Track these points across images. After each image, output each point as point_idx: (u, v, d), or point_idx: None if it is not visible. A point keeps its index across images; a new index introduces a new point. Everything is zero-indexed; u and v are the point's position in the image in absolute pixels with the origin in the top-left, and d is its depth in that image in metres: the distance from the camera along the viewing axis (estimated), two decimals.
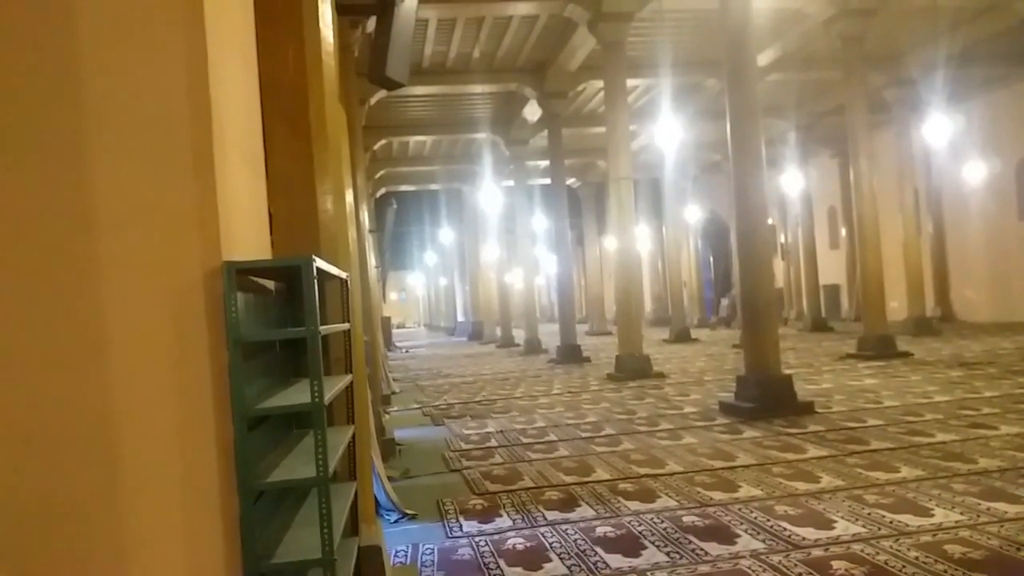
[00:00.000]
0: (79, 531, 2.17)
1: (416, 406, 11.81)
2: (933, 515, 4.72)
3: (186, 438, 2.23)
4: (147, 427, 2.21)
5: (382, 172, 25.36)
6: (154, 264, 2.24)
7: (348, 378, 3.38)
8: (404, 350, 27.88)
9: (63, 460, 2.17)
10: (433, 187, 31.29)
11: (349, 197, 4.37)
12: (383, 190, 27.94)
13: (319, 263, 2.51)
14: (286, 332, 2.94)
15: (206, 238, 2.27)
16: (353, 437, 3.43)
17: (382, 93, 14.92)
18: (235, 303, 2.28)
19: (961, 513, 4.72)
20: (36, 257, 2.18)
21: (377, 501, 5.46)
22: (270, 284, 3.03)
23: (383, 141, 21.54)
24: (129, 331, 2.21)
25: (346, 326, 3.49)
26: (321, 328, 2.53)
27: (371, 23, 8.42)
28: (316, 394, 2.37)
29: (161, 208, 2.25)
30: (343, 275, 3.41)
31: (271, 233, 3.25)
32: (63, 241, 2.20)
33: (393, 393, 13.18)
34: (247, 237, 2.70)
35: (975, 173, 18.18)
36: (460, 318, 38.24)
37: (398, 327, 48.37)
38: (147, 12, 2.26)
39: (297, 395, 2.62)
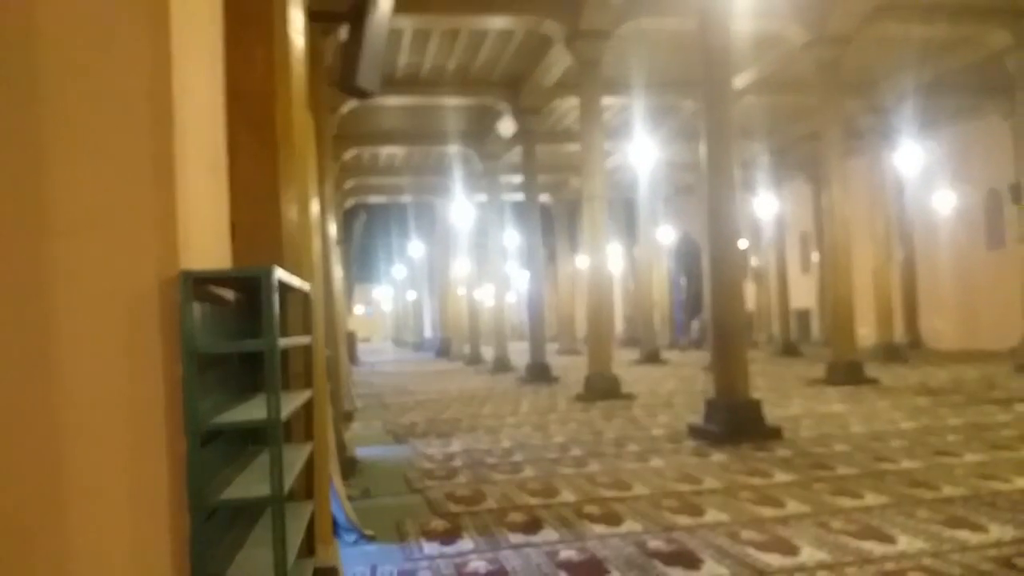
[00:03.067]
0: (20, 547, 2.10)
1: (379, 423, 11.67)
2: (897, 542, 4.70)
3: (136, 452, 2.18)
4: (95, 440, 2.15)
5: (352, 183, 25.19)
6: (108, 271, 2.19)
7: (307, 394, 3.29)
8: (369, 365, 27.65)
9: (7, 473, 2.10)
10: (404, 199, 31.12)
11: (315, 207, 4.30)
12: (352, 201, 27.79)
13: (280, 274, 2.44)
14: (243, 344, 2.85)
15: (163, 245, 2.22)
16: (311, 455, 3.34)
17: (353, 102, 14.84)
18: (191, 313, 2.22)
19: (925, 540, 4.70)
20: None
21: (336, 521, 5.35)
22: (229, 295, 2.95)
23: (354, 151, 21.41)
24: (79, 339, 2.16)
25: (307, 339, 3.41)
26: (280, 341, 2.46)
27: (344, 31, 8.36)
28: (273, 410, 2.29)
29: (118, 214, 2.20)
30: (305, 287, 3.33)
31: (233, 242, 3.17)
32: (14, 244, 2.14)
33: (356, 409, 13.01)
34: (207, 245, 2.64)
35: (945, 202, 18.50)
36: (428, 334, 38.07)
37: (364, 342, 48.00)
38: (110, 13, 2.22)
39: (253, 410, 2.54)
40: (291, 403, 2.82)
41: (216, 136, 2.91)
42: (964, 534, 4.78)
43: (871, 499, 5.77)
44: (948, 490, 5.93)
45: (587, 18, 13.17)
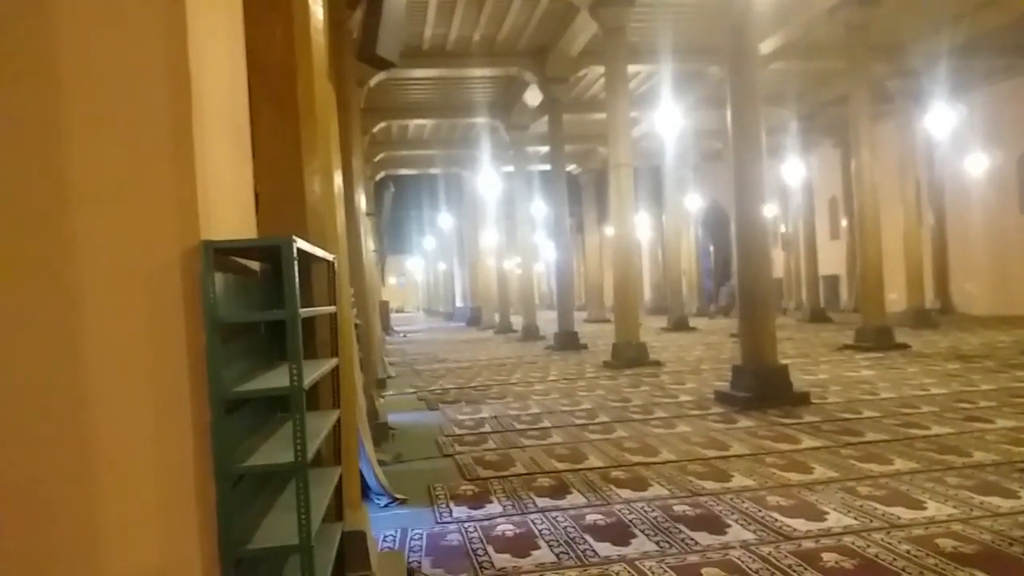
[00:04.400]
0: (50, 516, 2.13)
1: (411, 390, 11.78)
2: (926, 508, 4.69)
3: (161, 421, 2.19)
4: (121, 409, 2.17)
5: (381, 155, 25.25)
6: (130, 243, 2.19)
7: (333, 362, 3.33)
8: (402, 334, 27.86)
9: (34, 444, 2.13)
10: (432, 171, 31.16)
11: (338, 178, 4.31)
12: (382, 173, 27.85)
13: (300, 244, 2.46)
14: (264, 314, 2.88)
15: (184, 217, 2.22)
16: (338, 421, 3.38)
17: (382, 75, 14.86)
18: (213, 284, 2.23)
19: (954, 507, 4.68)
20: (7, 235, 2.13)
21: (368, 485, 5.44)
22: (255, 265, 2.98)
23: (382, 124, 21.43)
24: (103, 311, 2.17)
25: (332, 309, 3.44)
26: (303, 311, 2.48)
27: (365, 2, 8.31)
28: (295, 378, 2.32)
29: (137, 186, 2.20)
30: (329, 257, 3.35)
31: (257, 214, 3.19)
32: (36, 219, 2.14)
33: (389, 377, 13.15)
34: (230, 217, 2.65)
35: (977, 165, 18.14)
36: (459, 303, 38.23)
37: (397, 311, 48.38)
38: None
39: (277, 378, 2.57)
40: (316, 371, 2.85)
41: (238, 108, 2.91)
42: (995, 500, 4.75)
43: (900, 465, 5.75)
44: (979, 456, 5.89)
45: None
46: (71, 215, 2.16)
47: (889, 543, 4.11)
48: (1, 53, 2.13)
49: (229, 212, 2.65)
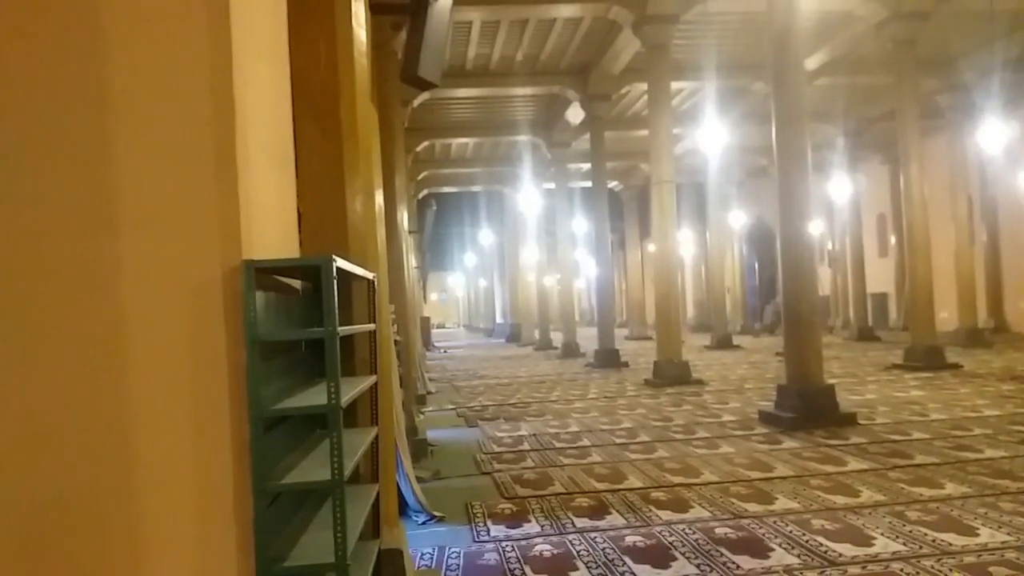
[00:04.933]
0: (92, 530, 2.17)
1: (451, 407, 11.80)
2: (978, 535, 4.55)
3: (201, 438, 2.22)
4: (162, 426, 2.20)
5: (424, 174, 25.47)
6: (173, 262, 2.22)
7: (372, 379, 3.34)
8: (442, 350, 27.94)
9: (78, 459, 2.16)
10: (474, 189, 31.34)
11: (379, 198, 4.35)
12: (425, 191, 28.07)
13: (340, 263, 2.47)
14: (303, 332, 2.90)
15: (226, 236, 2.24)
16: (376, 438, 3.39)
17: (425, 95, 14.99)
18: (254, 302, 2.25)
19: (1008, 533, 4.54)
20: (55, 254, 2.18)
21: (406, 502, 5.44)
22: (297, 284, 3.01)
23: (426, 143, 21.64)
24: (146, 329, 2.20)
25: (371, 327, 3.46)
26: (342, 329, 2.49)
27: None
28: (332, 396, 2.33)
29: (181, 206, 2.23)
30: (370, 275, 3.37)
31: (300, 232, 3.23)
32: (82, 238, 2.19)
33: (429, 393, 13.18)
34: (273, 236, 2.68)
35: None
36: (499, 320, 38.31)
37: (438, 327, 48.57)
38: (171, 10, 2.25)
39: (316, 396, 2.58)
40: (354, 389, 2.86)
41: (282, 128, 2.95)
42: None
43: (951, 489, 5.61)
44: None
45: (655, 3, 12.99)
46: (116, 234, 2.19)
47: (940, 571, 4.00)
48: (51, 77, 2.19)
49: (271, 231, 2.68)
